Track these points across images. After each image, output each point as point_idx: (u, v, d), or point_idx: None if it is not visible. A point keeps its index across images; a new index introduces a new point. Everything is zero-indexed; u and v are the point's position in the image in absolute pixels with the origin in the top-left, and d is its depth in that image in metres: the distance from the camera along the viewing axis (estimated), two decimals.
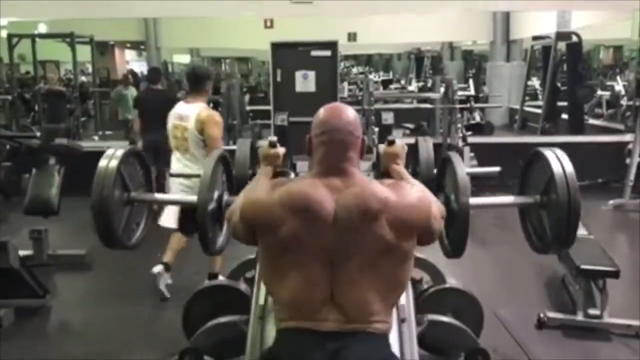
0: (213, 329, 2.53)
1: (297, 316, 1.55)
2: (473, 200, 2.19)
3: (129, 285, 4.37)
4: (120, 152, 2.27)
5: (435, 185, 2.48)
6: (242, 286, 2.95)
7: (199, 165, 3.51)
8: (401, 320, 2.09)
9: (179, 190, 3.79)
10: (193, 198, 2.25)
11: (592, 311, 3.50)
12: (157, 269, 3.94)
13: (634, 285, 4.14)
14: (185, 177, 3.77)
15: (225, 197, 2.40)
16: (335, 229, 1.54)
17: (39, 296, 3.96)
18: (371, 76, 13.05)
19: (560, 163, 2.16)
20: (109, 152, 2.27)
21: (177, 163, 3.88)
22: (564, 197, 2.10)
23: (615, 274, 3.50)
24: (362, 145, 1.70)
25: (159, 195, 2.63)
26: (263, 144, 2.03)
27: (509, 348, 3.32)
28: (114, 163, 2.22)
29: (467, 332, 2.59)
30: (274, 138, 2.02)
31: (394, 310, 1.81)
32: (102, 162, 2.22)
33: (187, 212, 2.80)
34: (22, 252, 4.15)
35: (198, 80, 3.91)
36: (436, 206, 1.70)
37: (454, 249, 2.30)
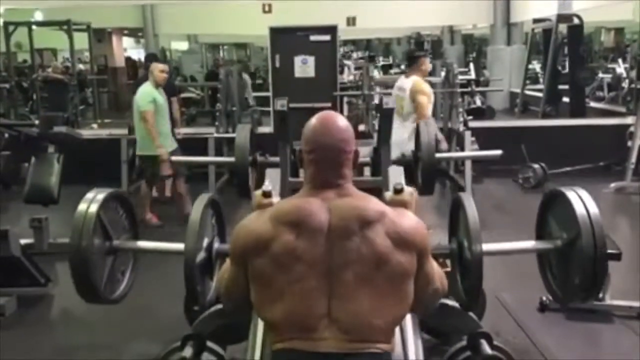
0: (215, 314, 2.53)
1: (293, 336, 1.47)
2: (487, 247, 2.07)
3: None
4: (100, 196, 2.11)
5: (449, 229, 2.34)
6: None
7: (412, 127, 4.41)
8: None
9: None
10: (180, 246, 2.07)
11: None
12: None
13: (635, 268, 4.14)
14: (187, 163, 3.76)
15: (216, 244, 2.20)
16: (330, 237, 1.48)
17: (40, 284, 3.97)
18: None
19: (584, 205, 2.01)
20: (89, 195, 2.11)
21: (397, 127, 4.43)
22: (589, 243, 1.94)
23: (617, 257, 3.49)
24: (354, 158, 1.62)
25: (143, 243, 2.38)
26: (257, 192, 1.88)
27: (511, 331, 3.32)
28: (93, 208, 2.05)
29: (469, 315, 2.59)
30: (269, 187, 1.86)
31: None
32: (81, 207, 2.06)
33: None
34: (22, 241, 4.14)
35: (414, 58, 4.92)
36: (438, 268, 1.65)
37: (469, 298, 2.18)
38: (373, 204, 1.54)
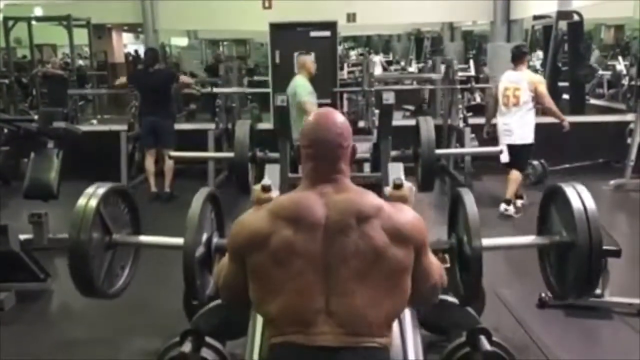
0: (214, 310, 2.53)
1: (291, 330, 1.48)
2: (486, 242, 2.08)
3: None
4: (100, 190, 2.10)
5: (448, 224, 2.36)
6: None
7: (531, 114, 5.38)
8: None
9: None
10: (180, 241, 2.08)
11: None
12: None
13: (635, 264, 4.14)
14: (185, 159, 3.75)
15: (215, 239, 2.21)
16: (327, 232, 1.48)
17: (40, 280, 3.97)
18: (379, 57, 13.02)
19: (581, 200, 2.01)
20: (89, 190, 2.11)
21: (511, 115, 5.39)
22: (585, 238, 1.94)
23: (616, 253, 3.49)
24: (352, 153, 1.63)
25: (143, 238, 2.39)
26: (256, 187, 1.89)
27: (510, 327, 3.32)
28: (93, 203, 2.04)
29: (468, 311, 2.59)
30: (268, 182, 1.88)
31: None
32: (81, 202, 2.05)
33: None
34: (22, 236, 4.14)
35: (522, 54, 5.51)
36: (436, 260, 1.66)
37: (468, 293, 2.19)
38: (370, 198, 1.55)
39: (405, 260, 1.52)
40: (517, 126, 5.36)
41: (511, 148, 5.35)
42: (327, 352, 1.44)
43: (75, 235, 1.99)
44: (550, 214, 2.24)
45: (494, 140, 5.65)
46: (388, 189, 1.93)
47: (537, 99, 5.38)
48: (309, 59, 5.40)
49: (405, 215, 1.57)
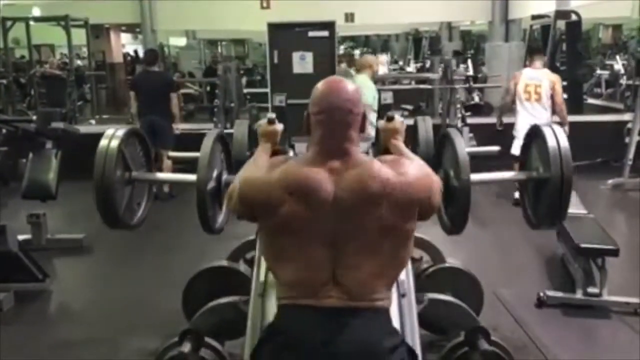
0: (213, 309, 2.53)
1: (299, 294, 1.54)
2: (473, 177, 2.18)
3: (128, 268, 4.36)
4: (121, 132, 2.24)
5: (434, 161, 2.45)
6: (242, 267, 2.94)
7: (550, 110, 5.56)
8: (401, 295, 2.09)
9: None
10: (192, 177, 2.23)
11: (591, 289, 3.50)
12: None
13: (632, 264, 4.15)
14: (184, 159, 3.76)
15: (225, 176, 2.38)
16: (335, 210, 1.51)
17: (38, 280, 3.96)
18: (383, 57, 13.04)
19: (556, 138, 2.15)
20: (109, 131, 2.24)
21: (534, 110, 5.59)
22: (557, 172, 2.10)
23: (614, 252, 3.50)
24: (362, 120, 1.63)
25: (160, 175, 2.64)
26: (262, 122, 1.99)
27: (508, 327, 3.33)
28: (115, 143, 2.20)
29: (467, 310, 2.60)
30: (273, 115, 1.98)
31: (394, 286, 1.80)
32: (103, 142, 2.20)
33: None
34: (20, 237, 4.14)
35: (539, 51, 5.92)
36: (436, 182, 1.67)
37: (455, 225, 2.29)
38: (377, 173, 1.53)
39: (413, 227, 1.58)
40: (540, 121, 5.43)
41: None
42: (332, 312, 1.51)
43: (100, 172, 2.13)
44: (530, 151, 2.36)
45: (503, 134, 5.75)
46: (381, 122, 2.04)
47: (553, 96, 5.65)
48: (374, 59, 5.36)
49: (410, 177, 1.56)
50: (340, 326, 1.50)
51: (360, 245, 1.52)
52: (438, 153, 2.52)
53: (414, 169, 1.61)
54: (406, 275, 2.14)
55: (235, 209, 1.67)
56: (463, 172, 2.14)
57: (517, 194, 5.75)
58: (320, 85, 1.63)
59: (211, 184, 2.26)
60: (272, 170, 1.59)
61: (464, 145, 2.23)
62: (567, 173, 2.09)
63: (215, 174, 2.31)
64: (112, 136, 2.22)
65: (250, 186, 1.61)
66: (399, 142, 1.97)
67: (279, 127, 1.99)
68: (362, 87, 5.05)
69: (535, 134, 2.31)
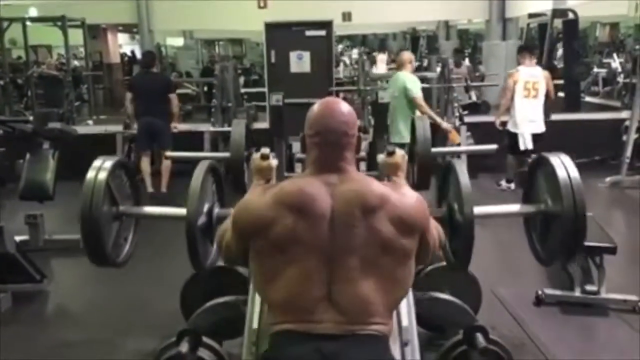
0: (211, 309, 2.53)
1: (292, 319, 1.48)
2: (477, 210, 2.12)
3: (125, 269, 4.31)
4: (108, 164, 2.18)
5: (438, 194, 2.40)
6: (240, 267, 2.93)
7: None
8: (404, 344, 2.01)
9: None
10: (182, 211, 2.14)
11: (589, 287, 3.51)
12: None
13: (630, 261, 4.16)
14: (181, 159, 3.76)
15: (216, 210, 2.27)
16: (332, 224, 1.48)
17: (36, 281, 3.95)
18: (382, 56, 13.02)
19: (565, 170, 2.06)
20: (97, 163, 2.18)
21: (534, 107, 5.87)
22: (570, 205, 2.00)
23: (612, 250, 3.50)
24: (357, 142, 1.63)
25: (148, 209, 2.51)
26: (255, 156, 1.91)
27: (507, 325, 3.32)
28: (102, 176, 2.13)
29: (465, 309, 2.59)
30: (267, 150, 1.91)
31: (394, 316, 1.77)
32: (90, 175, 2.13)
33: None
34: (18, 238, 4.13)
35: (533, 48, 6.30)
36: (434, 221, 1.66)
37: (459, 260, 2.22)
38: (375, 188, 1.54)
39: (412, 247, 1.54)
40: (539, 116, 5.90)
41: (535, 136, 5.83)
42: (328, 340, 1.44)
43: (87, 208, 2.08)
44: (536, 183, 2.29)
45: (500, 132, 5.89)
46: (381, 157, 1.99)
47: (548, 91, 5.95)
48: (411, 55, 5.58)
49: (409, 200, 1.56)
50: (335, 353, 1.43)
51: (358, 260, 1.47)
52: (441, 185, 2.42)
53: (414, 196, 1.60)
54: (409, 319, 2.06)
55: (228, 249, 1.64)
56: (467, 206, 2.07)
57: (503, 182, 6.08)
58: (315, 106, 1.62)
59: (202, 219, 2.16)
60: (265, 193, 1.58)
61: (468, 179, 2.14)
62: (580, 207, 2.00)
63: (206, 208, 2.21)
64: (99, 168, 2.15)
65: (244, 210, 1.59)
66: (401, 179, 1.92)
67: (274, 162, 1.92)
68: (408, 82, 5.17)
69: (541, 164, 2.23)
